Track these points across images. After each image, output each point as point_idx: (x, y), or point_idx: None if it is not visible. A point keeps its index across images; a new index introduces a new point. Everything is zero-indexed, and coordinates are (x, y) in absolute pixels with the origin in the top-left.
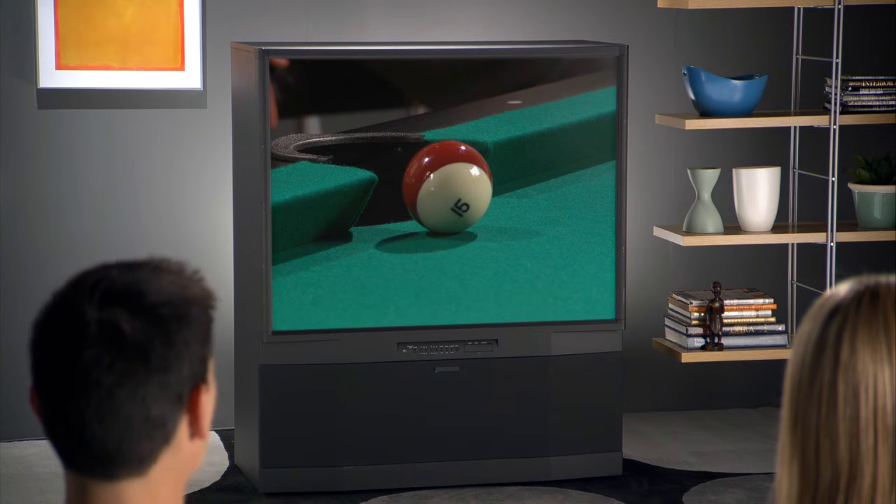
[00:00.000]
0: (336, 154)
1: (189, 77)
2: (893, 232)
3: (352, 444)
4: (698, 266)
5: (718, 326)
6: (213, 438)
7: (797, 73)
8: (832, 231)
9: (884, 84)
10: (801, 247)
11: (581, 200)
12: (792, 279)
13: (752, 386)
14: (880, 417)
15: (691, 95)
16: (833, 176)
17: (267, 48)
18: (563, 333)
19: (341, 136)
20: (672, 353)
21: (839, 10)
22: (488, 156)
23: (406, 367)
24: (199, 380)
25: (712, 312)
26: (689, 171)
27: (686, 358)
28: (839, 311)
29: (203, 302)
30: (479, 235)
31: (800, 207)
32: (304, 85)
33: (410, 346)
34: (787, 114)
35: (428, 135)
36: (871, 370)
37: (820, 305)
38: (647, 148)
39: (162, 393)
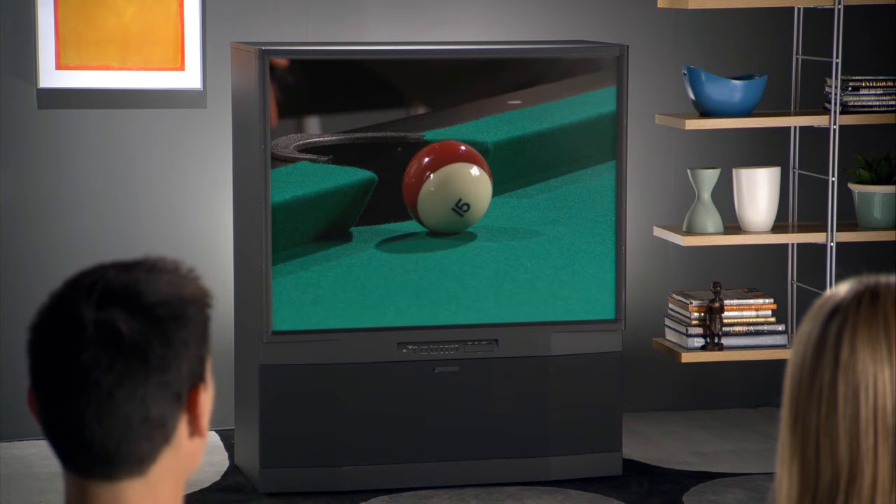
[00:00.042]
0: (336, 154)
1: (189, 77)
2: (893, 232)
3: (352, 444)
4: (698, 266)
5: (718, 326)
6: (213, 438)
7: (797, 73)
8: (832, 231)
9: (884, 84)
10: (801, 247)
11: (581, 200)
12: (792, 279)
13: (752, 386)
14: (880, 417)
15: (691, 95)
16: (833, 176)
17: (267, 48)
18: (563, 333)
19: (341, 136)
20: (672, 353)
21: (839, 10)
22: (488, 156)
23: (406, 367)
24: (197, 379)
25: (712, 312)
26: (689, 171)
27: (686, 358)
28: (839, 311)
29: (200, 301)
30: (479, 235)
31: (800, 207)
32: (304, 85)
33: (410, 346)
34: (787, 114)
35: (428, 135)
36: (871, 370)
37: (820, 305)
38: (647, 148)
39: (161, 393)
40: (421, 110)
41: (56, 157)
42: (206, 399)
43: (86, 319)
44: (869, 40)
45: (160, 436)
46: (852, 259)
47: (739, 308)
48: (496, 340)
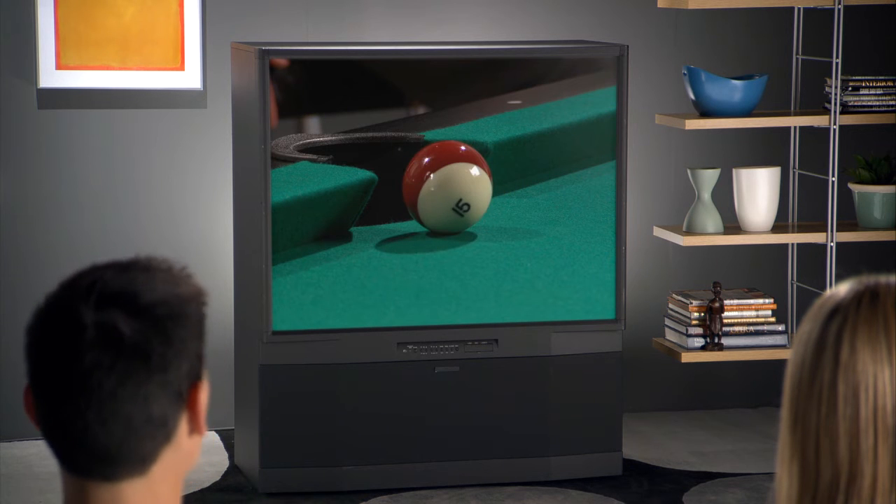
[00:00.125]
0: (336, 154)
1: (189, 77)
2: (893, 232)
3: (352, 444)
4: (698, 266)
5: (718, 326)
6: (213, 438)
7: (797, 73)
8: (832, 231)
9: (884, 84)
10: (801, 247)
11: (581, 200)
12: (792, 279)
13: (752, 386)
14: (880, 417)
15: (691, 95)
16: (833, 176)
17: (267, 48)
18: (563, 333)
19: (341, 136)
20: (672, 353)
21: (839, 10)
22: (488, 156)
23: (406, 367)
24: (196, 376)
25: (712, 312)
26: (689, 171)
27: (686, 358)
28: (839, 311)
29: (196, 299)
30: (479, 235)
31: (800, 207)
32: (304, 85)
33: (410, 346)
34: (787, 114)
35: (428, 135)
36: (871, 370)
37: (820, 305)
38: (647, 148)
39: (162, 392)
40: (421, 110)
41: (56, 157)
42: (205, 397)
43: (85, 321)
44: (869, 40)
45: (162, 435)
46: (852, 259)
47: (739, 308)
48: (496, 340)
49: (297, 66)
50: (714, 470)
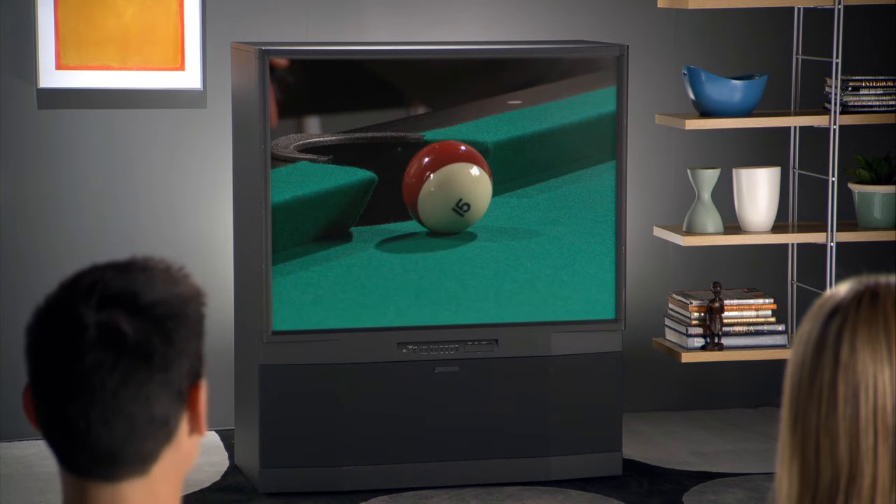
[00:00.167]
0: (336, 154)
1: (189, 77)
2: (893, 232)
3: (352, 444)
4: (698, 266)
5: (718, 326)
6: (213, 438)
7: (797, 73)
8: (832, 231)
9: (884, 84)
10: (801, 247)
11: (581, 200)
12: (792, 279)
13: (752, 386)
14: (880, 417)
15: (691, 95)
16: (833, 176)
17: (267, 48)
18: (563, 333)
19: (341, 136)
20: (672, 353)
21: (839, 10)
22: (488, 156)
23: (406, 367)
24: (196, 376)
25: (712, 312)
26: (689, 171)
27: (686, 358)
28: (839, 311)
29: (196, 299)
30: (479, 235)
31: (800, 207)
32: (304, 85)
33: (410, 346)
34: (787, 114)
35: (428, 135)
36: (871, 370)
37: (820, 305)
38: (647, 148)
39: (164, 391)
40: (421, 110)
41: (56, 157)
42: (204, 396)
43: (87, 321)
44: (869, 40)
45: (163, 435)
46: (852, 259)
47: (739, 308)
48: (496, 340)
49: (297, 66)
50: (714, 470)
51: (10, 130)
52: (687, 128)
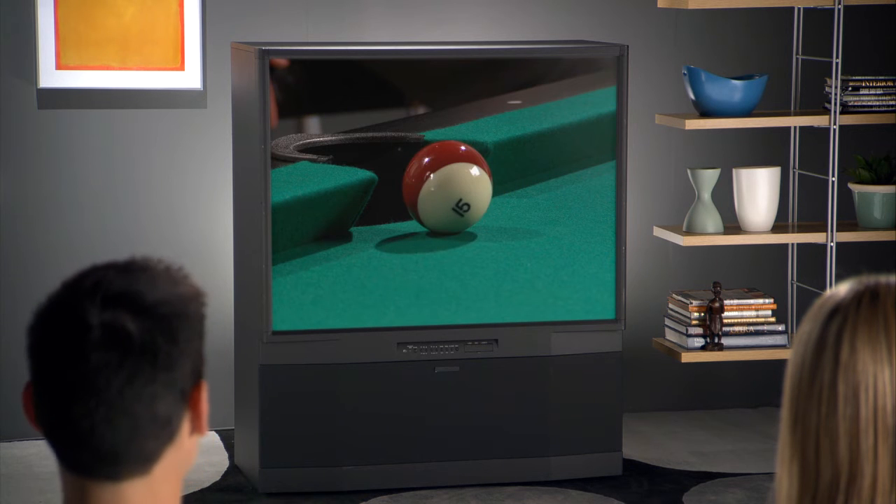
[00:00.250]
0: (336, 154)
1: (189, 77)
2: (893, 232)
3: (352, 444)
4: (698, 266)
5: (718, 326)
6: (213, 438)
7: (797, 73)
8: (832, 231)
9: (884, 84)
10: (801, 247)
11: (581, 200)
12: (792, 279)
13: (752, 386)
14: (880, 417)
15: (691, 95)
16: (833, 176)
17: (267, 48)
18: (563, 333)
19: (341, 136)
20: (672, 353)
21: (839, 10)
22: (488, 156)
23: (406, 367)
24: (198, 376)
25: (712, 312)
26: (689, 171)
27: (686, 358)
28: (839, 311)
29: (196, 299)
30: (479, 235)
31: (800, 207)
32: (304, 85)
33: (410, 346)
34: (787, 114)
35: (428, 135)
36: (871, 370)
37: (820, 305)
38: (647, 148)
39: (167, 391)
40: (421, 110)
41: (56, 157)
42: (206, 396)
43: (91, 321)
44: (869, 40)
45: (166, 434)
46: (852, 259)
47: (739, 308)
48: (496, 340)
49: (297, 66)
50: (714, 470)
51: (10, 130)
52: (687, 128)
